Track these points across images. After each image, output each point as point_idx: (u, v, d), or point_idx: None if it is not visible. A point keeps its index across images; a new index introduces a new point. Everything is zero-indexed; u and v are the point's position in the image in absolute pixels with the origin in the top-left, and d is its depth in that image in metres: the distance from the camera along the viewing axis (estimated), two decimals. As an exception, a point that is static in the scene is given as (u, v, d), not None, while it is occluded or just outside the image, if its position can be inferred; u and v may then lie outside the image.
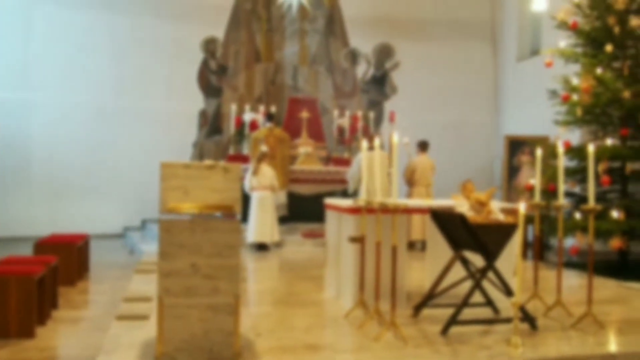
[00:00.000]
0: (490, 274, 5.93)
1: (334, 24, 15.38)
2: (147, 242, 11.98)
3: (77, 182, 13.91)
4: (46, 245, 7.92)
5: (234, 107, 13.80)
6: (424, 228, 10.96)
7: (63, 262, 7.53)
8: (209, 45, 14.59)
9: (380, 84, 15.63)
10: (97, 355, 4.81)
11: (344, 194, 11.56)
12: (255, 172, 11.16)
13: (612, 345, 5.54)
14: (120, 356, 4.77)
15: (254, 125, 13.50)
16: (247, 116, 13.68)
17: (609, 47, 10.00)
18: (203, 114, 14.69)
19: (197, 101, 14.61)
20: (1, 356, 5.14)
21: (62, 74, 13.95)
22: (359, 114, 14.37)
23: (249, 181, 11.15)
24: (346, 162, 13.39)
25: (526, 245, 10.26)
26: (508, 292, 5.90)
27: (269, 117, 13.12)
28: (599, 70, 10.02)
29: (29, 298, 5.64)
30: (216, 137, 14.66)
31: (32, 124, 13.71)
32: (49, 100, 13.78)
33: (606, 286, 8.38)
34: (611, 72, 10.17)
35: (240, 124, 13.65)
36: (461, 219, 5.73)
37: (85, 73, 14.10)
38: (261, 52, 15.05)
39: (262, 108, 13.93)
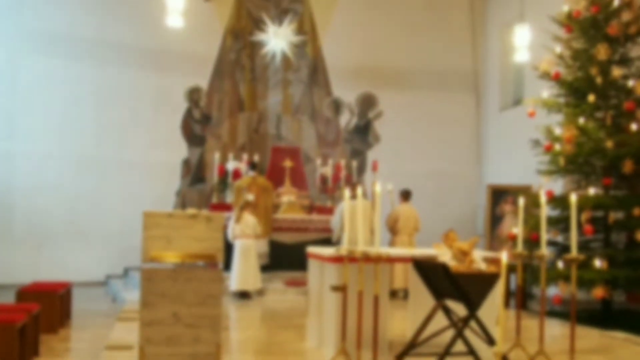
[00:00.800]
0: (473, 323, 5.93)
1: (317, 74, 15.60)
2: (129, 290, 11.86)
3: (59, 231, 13.78)
4: (28, 293, 7.85)
5: (217, 156, 13.88)
6: (406, 276, 10.95)
7: (45, 310, 7.45)
8: (193, 95, 14.71)
9: (363, 133, 15.78)
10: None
11: (327, 242, 11.55)
12: (238, 220, 11.17)
13: (595, 395, 5.54)
14: (99, 407, 4.70)
15: (237, 174, 13.55)
16: (230, 165, 13.73)
17: (591, 97, 10.11)
18: (186, 163, 14.73)
19: (180, 150, 14.67)
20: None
21: (46, 123, 13.91)
22: (342, 162, 14.46)
23: (231, 229, 11.15)
24: (329, 211, 13.42)
25: (509, 294, 10.27)
26: (490, 341, 5.90)
27: (252, 165, 13.18)
28: (581, 120, 10.13)
29: (11, 346, 5.58)
30: (199, 185, 14.69)
31: (15, 173, 13.61)
32: (32, 150, 13.73)
33: (589, 336, 8.39)
34: (594, 122, 10.28)
35: (223, 173, 13.69)
36: (443, 268, 5.76)
37: (68, 122, 14.07)
38: (245, 101, 15.21)
39: (245, 157, 14.00)
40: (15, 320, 5.70)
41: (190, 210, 5.01)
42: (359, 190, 6.53)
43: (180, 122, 14.73)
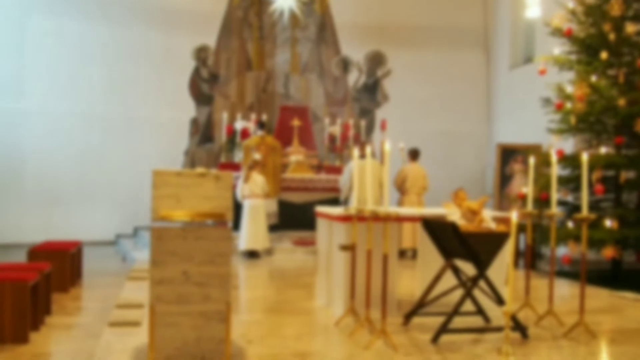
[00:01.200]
0: (482, 283, 5.93)
1: (325, 32, 15.43)
2: (139, 249, 11.95)
3: (69, 190, 13.85)
4: (40, 252, 7.90)
5: (225, 115, 13.83)
6: (414, 236, 10.96)
7: (56, 269, 7.51)
8: (201, 53, 14.60)
9: (371, 91, 15.66)
10: (88, 363, 4.79)
11: (335, 202, 11.56)
12: (247, 180, 11.17)
13: (604, 355, 5.55)
14: (110, 364, 4.75)
15: (245, 134, 13.51)
16: (239, 124, 13.69)
17: (604, 54, 9.95)
18: (194, 122, 14.69)
19: (188, 109, 14.62)
20: (-6, 362, 5.13)
21: (54, 82, 13.90)
22: (351, 122, 14.39)
23: (240, 189, 11.16)
24: (337, 170, 13.40)
25: (518, 254, 10.26)
26: (499, 300, 5.90)
27: (261, 125, 13.13)
28: (593, 78, 9.99)
29: (23, 304, 5.64)
30: (208, 145, 14.66)
31: (24, 133, 13.65)
32: (40, 109, 13.73)
33: (599, 296, 8.39)
34: (606, 80, 10.14)
35: (231, 132, 13.66)
36: (453, 227, 5.73)
37: (76, 82, 14.05)
38: (252, 60, 15.08)
39: (253, 116, 13.95)
40: (28, 278, 5.75)
41: (199, 169, 4.98)
42: (368, 149, 6.49)
43: (188, 81, 14.65)
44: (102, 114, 14.15)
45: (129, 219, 14.04)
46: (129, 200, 13.97)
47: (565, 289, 8.89)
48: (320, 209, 7.55)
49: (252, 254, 11.17)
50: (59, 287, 7.81)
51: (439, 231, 6.25)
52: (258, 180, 11.24)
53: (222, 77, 14.83)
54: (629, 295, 8.42)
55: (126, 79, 14.34)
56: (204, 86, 14.75)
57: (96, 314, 6.94)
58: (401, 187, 11.88)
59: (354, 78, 15.56)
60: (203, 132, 14.69)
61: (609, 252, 9.29)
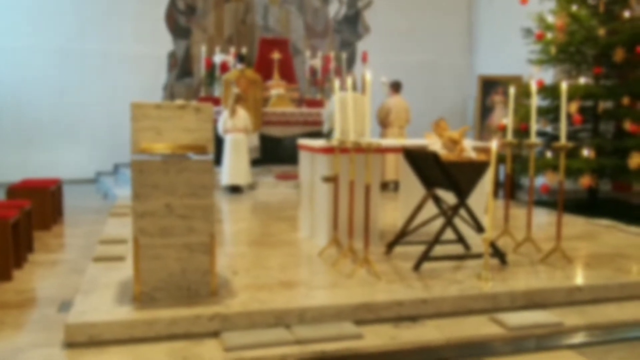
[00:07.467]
0: (462, 211, 6.02)
1: (304, -38, 15.13)
2: (120, 186, 11.92)
3: (46, 128, 13.65)
4: (19, 190, 7.86)
5: (203, 49, 13.66)
6: (397, 169, 11.03)
7: (37, 207, 7.50)
8: (176, -16, 14.31)
9: (352, 23, 15.47)
10: (75, 296, 4.84)
11: (317, 135, 11.54)
12: (233, 115, 11.08)
13: (579, 279, 5.69)
14: (98, 296, 4.79)
15: (224, 67, 13.36)
16: (218, 58, 13.53)
17: (584, -17, 9.95)
18: (172, 56, 14.48)
19: (166, 43, 14.37)
20: (-22, 298, 5.16)
21: (26, 16, 13.52)
22: (332, 54, 14.26)
23: (223, 123, 11.10)
24: (319, 104, 13.35)
25: (497, 184, 10.39)
26: (479, 228, 6.00)
27: (240, 58, 12.97)
28: (574, 7, 9.98)
29: (4, 241, 5.64)
30: (186, 79, 14.50)
31: (-2, 69, 13.39)
32: (13, 44, 13.41)
33: (575, 223, 8.56)
34: (587, 9, 10.12)
35: (210, 66, 13.51)
36: (434, 156, 5.77)
37: (49, 14, 13.66)
38: (230, -10, 14.79)
39: (232, 49, 13.77)
40: (8, 215, 5.73)
41: (179, 101, 4.94)
42: (349, 81, 6.44)
43: (165, 14, 14.36)
44: (76, 50, 13.83)
45: (109, 157, 13.93)
46: (108, 138, 13.83)
47: (543, 218, 9.05)
48: (303, 141, 7.54)
49: (234, 189, 11.19)
50: (40, 225, 7.82)
51: (421, 161, 6.29)
52: (242, 115, 11.17)
53: (199, 8, 14.56)
54: (604, 222, 8.59)
55: (100, 11, 13.97)
56: (180, 18, 14.48)
57: (79, 250, 6.98)
58: (384, 120, 11.86)
59: (335, 9, 15.34)
60: (181, 66, 14.50)
61: (585, 181, 9.43)
